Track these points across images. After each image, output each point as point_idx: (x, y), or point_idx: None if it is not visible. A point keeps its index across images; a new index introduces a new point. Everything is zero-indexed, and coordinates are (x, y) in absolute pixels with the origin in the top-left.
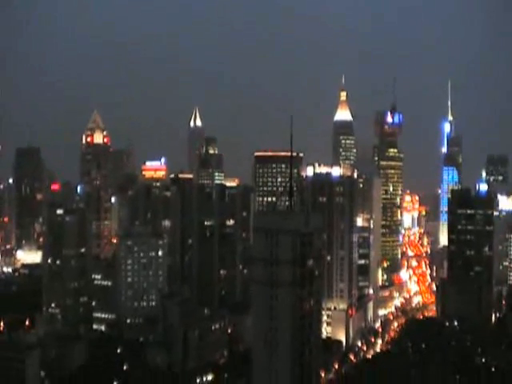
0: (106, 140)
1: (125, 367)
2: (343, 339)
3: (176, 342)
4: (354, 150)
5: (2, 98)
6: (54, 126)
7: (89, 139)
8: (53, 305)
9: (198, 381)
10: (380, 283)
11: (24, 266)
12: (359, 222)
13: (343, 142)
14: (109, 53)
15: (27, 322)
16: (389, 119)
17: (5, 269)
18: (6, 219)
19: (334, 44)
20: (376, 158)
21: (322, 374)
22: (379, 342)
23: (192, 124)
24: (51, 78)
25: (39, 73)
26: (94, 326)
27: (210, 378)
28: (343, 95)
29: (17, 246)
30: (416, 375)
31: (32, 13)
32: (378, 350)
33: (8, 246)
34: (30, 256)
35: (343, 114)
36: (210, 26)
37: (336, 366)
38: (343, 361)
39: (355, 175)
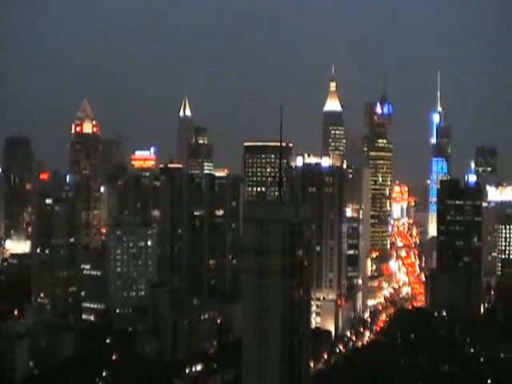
0: (95, 129)
1: (114, 357)
2: (332, 329)
3: (165, 331)
4: (344, 141)
5: None
6: (44, 115)
7: (78, 128)
8: (42, 294)
9: (187, 370)
10: (369, 273)
11: (13, 255)
12: (348, 212)
13: (333, 132)
14: (99, 43)
15: (16, 312)
16: (378, 110)
17: None
18: None
19: (325, 34)
20: (365, 149)
21: (312, 364)
22: (368, 332)
23: (182, 113)
24: (41, 67)
25: (29, 63)
26: (84, 316)
27: (199, 367)
28: (333, 86)
29: (5, 236)
30: (405, 365)
31: (21, 3)
32: (367, 340)
33: None
34: (18, 246)
35: (333, 105)
36: (202, 16)
37: (325, 356)
38: (332, 351)
39: (345, 165)
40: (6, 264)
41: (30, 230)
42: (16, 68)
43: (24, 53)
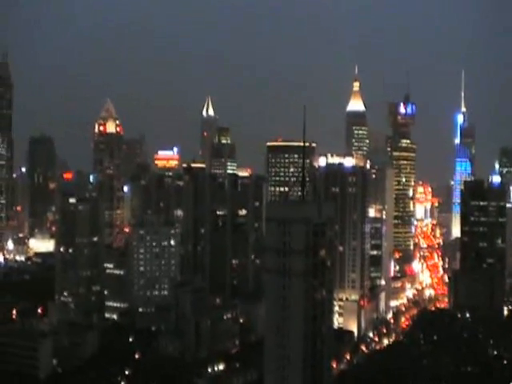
0: (118, 129)
1: (137, 356)
2: (355, 330)
3: (188, 331)
4: (367, 141)
5: (16, 88)
6: (67, 115)
7: (101, 128)
8: (65, 293)
9: (209, 370)
10: (392, 274)
11: (37, 254)
12: (372, 212)
13: (356, 132)
14: (121, 42)
15: (40, 311)
16: (402, 110)
17: (18, 257)
18: (19, 208)
19: (348, 34)
20: (389, 149)
21: (334, 365)
22: (391, 333)
23: (204, 113)
24: (64, 67)
25: (51, 62)
26: (107, 315)
27: (221, 367)
28: (356, 85)
29: (29, 235)
30: (427, 366)
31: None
32: (389, 341)
33: (21, 235)
34: (42, 244)
35: (356, 105)
36: (224, 15)
37: (348, 357)
38: (355, 351)
39: (368, 166)
40: (30, 263)
41: (53, 229)
42: (37, 69)
43: (44, 54)
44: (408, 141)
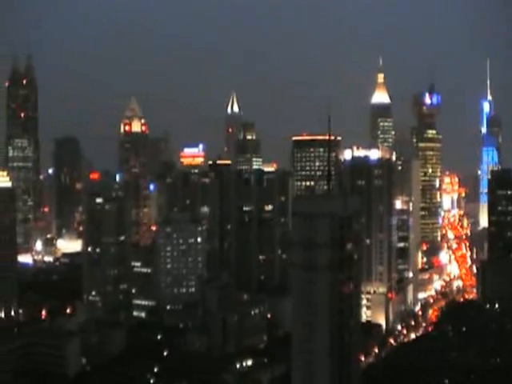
0: (144, 128)
1: (165, 353)
2: (383, 323)
3: (215, 327)
4: (392, 133)
5: (40, 90)
6: (91, 115)
7: (127, 127)
8: (93, 292)
9: (237, 365)
10: (419, 266)
11: (64, 254)
12: (398, 204)
13: (381, 124)
14: (145, 41)
15: (68, 310)
16: (427, 100)
17: (46, 258)
18: (46, 209)
19: (371, 24)
20: (414, 140)
21: (362, 358)
22: (419, 325)
23: (229, 110)
24: (87, 65)
25: (75, 60)
26: (134, 313)
27: (249, 362)
28: (381, 77)
29: (57, 235)
30: (456, 358)
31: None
32: (417, 333)
33: (49, 236)
34: (70, 245)
35: (381, 97)
36: (245, 10)
37: (376, 350)
38: (383, 344)
39: (394, 157)
40: (57, 263)
41: (81, 229)
42: (61, 70)
43: (66, 50)
44: (433, 131)
